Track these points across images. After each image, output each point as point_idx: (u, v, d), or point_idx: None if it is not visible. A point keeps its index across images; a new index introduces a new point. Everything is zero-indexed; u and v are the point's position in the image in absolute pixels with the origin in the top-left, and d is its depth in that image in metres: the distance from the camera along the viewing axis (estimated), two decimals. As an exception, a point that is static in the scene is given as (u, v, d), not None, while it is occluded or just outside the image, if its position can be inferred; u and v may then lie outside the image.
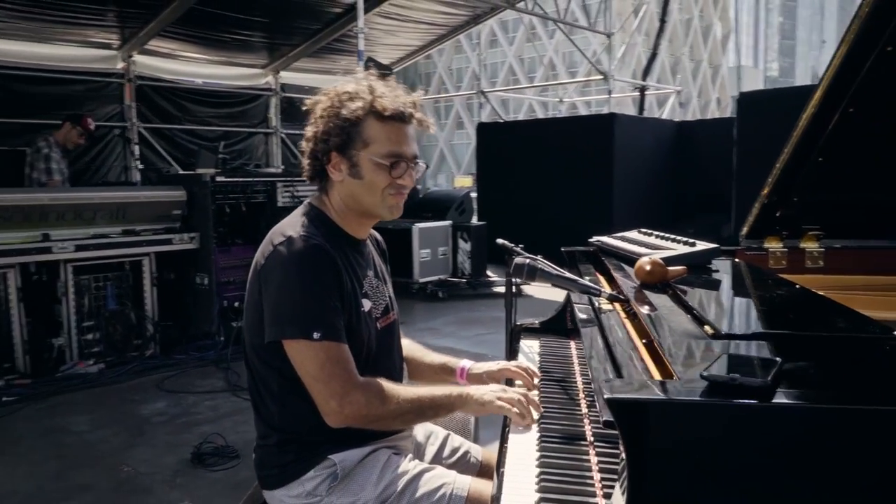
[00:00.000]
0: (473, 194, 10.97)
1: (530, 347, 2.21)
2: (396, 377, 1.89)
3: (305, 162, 1.77)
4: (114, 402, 4.50)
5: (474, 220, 9.38)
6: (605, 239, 2.35)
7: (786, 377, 0.90)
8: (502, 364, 1.93)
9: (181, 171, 7.72)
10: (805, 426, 0.84)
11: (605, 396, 0.85)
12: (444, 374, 1.99)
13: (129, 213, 5.32)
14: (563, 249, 2.51)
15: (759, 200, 2.16)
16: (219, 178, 5.60)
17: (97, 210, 5.15)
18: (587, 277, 2.05)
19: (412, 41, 10.97)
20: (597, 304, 1.69)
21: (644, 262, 1.67)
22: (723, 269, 1.95)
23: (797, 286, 1.59)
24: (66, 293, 5.02)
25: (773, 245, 2.27)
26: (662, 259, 1.73)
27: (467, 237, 8.20)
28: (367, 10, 8.98)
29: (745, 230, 2.29)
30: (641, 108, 11.22)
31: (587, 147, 9.34)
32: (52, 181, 5.76)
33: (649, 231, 2.29)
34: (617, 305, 1.67)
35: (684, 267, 1.71)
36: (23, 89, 8.00)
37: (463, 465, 1.93)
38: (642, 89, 10.91)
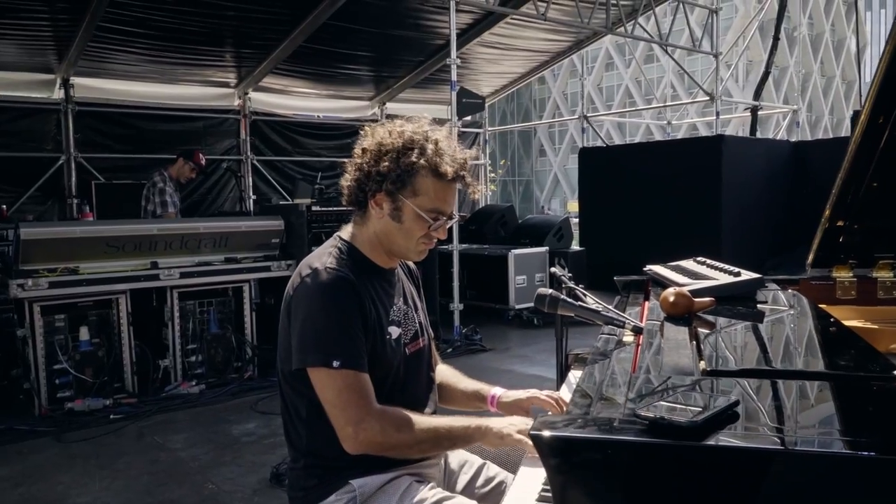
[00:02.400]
0: (575, 220, 10.84)
1: (576, 377, 2.15)
2: (424, 401, 1.90)
3: (347, 187, 1.82)
4: (210, 421, 4.73)
5: (575, 246, 9.25)
6: (656, 268, 2.26)
7: (753, 417, 0.83)
8: (531, 392, 1.93)
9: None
10: (729, 469, 0.78)
11: (531, 432, 0.83)
12: (477, 401, 2.01)
13: (231, 242, 5.62)
14: (616, 279, 2.44)
15: (820, 225, 2.01)
16: (314, 208, 5.83)
17: (201, 239, 5.47)
18: (631, 309, 1.98)
19: (514, 69, 11.03)
20: (620, 335, 1.62)
21: (668, 294, 1.60)
22: (770, 302, 1.82)
23: (831, 319, 1.46)
24: (171, 317, 5.34)
25: (842, 275, 2.10)
26: (692, 290, 1.64)
27: (565, 263, 8.05)
28: (468, 41, 9.16)
29: (810, 258, 2.14)
30: (753, 129, 10.70)
31: (693, 170, 9.00)
32: (168, 214, 6.18)
33: (703, 260, 2.18)
34: (641, 337, 1.60)
35: (711, 299, 1.61)
36: (149, 126, 8.69)
37: (496, 495, 1.90)
38: (754, 109, 10.42)
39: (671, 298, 1.58)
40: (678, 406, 0.83)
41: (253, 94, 9.60)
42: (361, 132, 1.86)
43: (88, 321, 5.09)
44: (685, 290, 1.63)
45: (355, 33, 8.50)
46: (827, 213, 1.91)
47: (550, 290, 1.78)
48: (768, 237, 9.36)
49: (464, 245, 8.38)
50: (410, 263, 2.05)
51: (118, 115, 8.50)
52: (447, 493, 1.74)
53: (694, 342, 1.32)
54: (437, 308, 7.06)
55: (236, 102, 9.56)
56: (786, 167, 9.61)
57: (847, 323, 1.57)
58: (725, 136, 9.34)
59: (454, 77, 6.71)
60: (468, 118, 11.19)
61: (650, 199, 9.29)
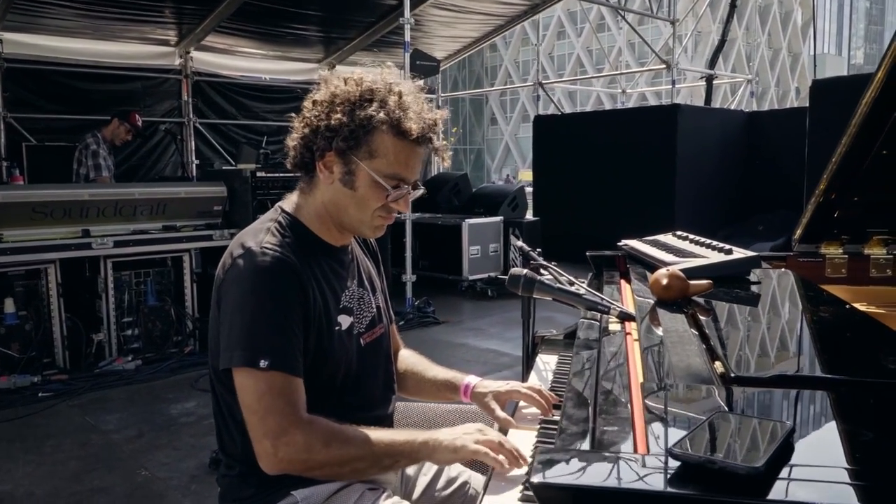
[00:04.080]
0: (529, 189, 10.68)
1: (546, 364, 1.96)
2: (383, 400, 1.68)
3: (293, 147, 1.55)
4: (146, 400, 4.45)
5: (529, 216, 9.10)
6: (634, 243, 2.07)
7: (807, 452, 0.64)
8: (512, 385, 1.66)
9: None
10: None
11: (533, 481, 0.62)
12: (448, 391, 1.76)
13: (170, 209, 5.28)
14: (588, 254, 2.25)
15: (813, 199, 1.85)
16: (259, 174, 5.51)
17: (137, 205, 5.12)
18: (608, 288, 1.79)
19: (469, 33, 10.74)
20: (604, 322, 1.43)
21: (661, 275, 1.41)
22: (764, 282, 1.65)
23: (847, 306, 1.29)
24: (105, 289, 5.00)
25: (832, 251, 1.95)
26: (685, 270, 1.46)
27: (519, 233, 7.92)
28: (421, 2, 8.83)
29: (797, 233, 1.98)
30: (708, 99, 10.66)
31: (649, 140, 8.91)
32: (101, 178, 5.78)
33: (685, 234, 2.00)
34: (629, 325, 1.41)
35: (709, 281, 1.43)
36: (84, 85, 8.18)
37: (459, 497, 1.70)
38: (709, 78, 10.36)
39: (664, 281, 1.39)
40: (723, 440, 0.63)
41: (195, 54, 9.10)
42: (314, 86, 1.59)
43: (14, 292, 4.72)
44: (677, 269, 1.45)
45: (303, -11, 8.11)
46: (822, 185, 1.74)
47: (525, 270, 1.58)
48: (721, 207, 9.39)
49: (416, 214, 8.15)
50: (368, 236, 1.80)
51: (51, 72, 7.95)
52: (405, 503, 1.53)
53: (697, 335, 1.14)
54: (389, 279, 6.84)
55: (177, 62, 9.06)
56: (740, 137, 9.60)
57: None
58: (681, 105, 9.27)
59: (407, 38, 6.42)
60: (422, 82, 10.86)
61: (605, 168, 9.20)
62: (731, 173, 9.47)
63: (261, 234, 1.48)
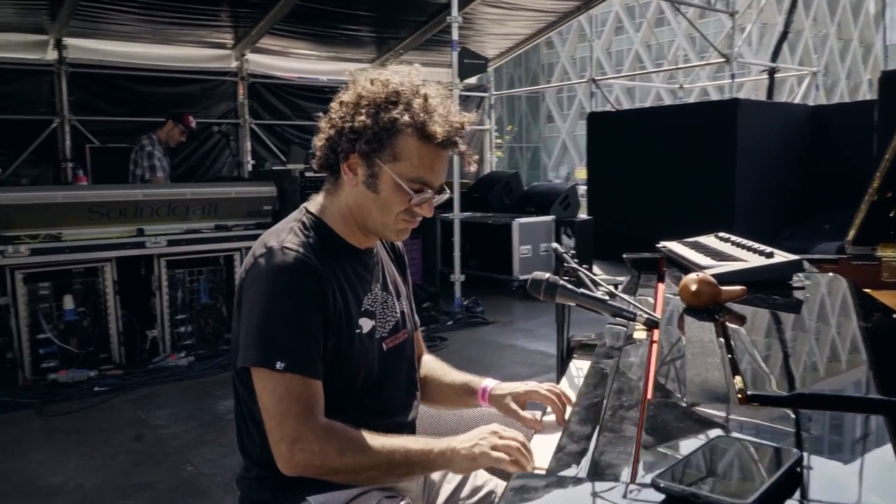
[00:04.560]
0: (583, 187, 10.53)
1: (580, 370, 1.89)
2: (404, 406, 1.65)
3: (319, 147, 1.53)
4: (196, 396, 4.53)
5: (582, 215, 8.96)
6: (672, 245, 1.99)
7: (820, 485, 0.58)
8: (531, 385, 1.61)
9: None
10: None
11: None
12: (466, 395, 1.73)
13: (221, 209, 5.37)
14: (626, 256, 2.17)
15: (867, 197, 1.74)
16: (308, 174, 5.56)
17: (189, 205, 5.23)
18: (643, 291, 1.72)
19: (521, 30, 10.62)
20: (629, 329, 1.37)
21: (690, 281, 1.34)
22: (809, 288, 1.56)
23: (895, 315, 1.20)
24: (159, 287, 5.12)
25: (888, 254, 1.83)
26: (718, 275, 1.38)
27: (571, 233, 7.81)
28: (471, 0, 8.78)
29: (850, 234, 1.87)
30: (770, 93, 10.30)
31: (707, 136, 8.65)
32: (156, 178, 5.93)
33: (727, 236, 1.91)
34: (656, 333, 1.34)
35: (742, 287, 1.35)
36: (144, 89, 8.40)
37: (484, 507, 1.66)
38: (772, 72, 10.02)
39: (693, 287, 1.32)
40: (716, 469, 0.58)
41: (251, 56, 9.27)
42: (344, 85, 1.57)
43: (73, 289, 4.88)
44: (709, 275, 1.37)
45: (355, -9, 8.16)
46: (876, 183, 1.63)
47: (547, 275, 1.52)
48: (783, 206, 9.05)
49: (467, 213, 8.11)
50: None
51: (112, 76, 8.20)
52: (422, 510, 1.50)
53: (724, 346, 1.07)
54: (438, 279, 6.83)
55: (233, 64, 9.24)
56: (804, 132, 9.24)
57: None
58: (741, 99, 8.96)
59: (455, 36, 6.38)
60: (472, 80, 10.83)
61: (661, 166, 8.96)
62: (794, 170, 9.11)
63: (283, 234, 1.48)
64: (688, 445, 0.67)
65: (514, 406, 1.59)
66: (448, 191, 1.56)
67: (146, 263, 5.14)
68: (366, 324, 1.54)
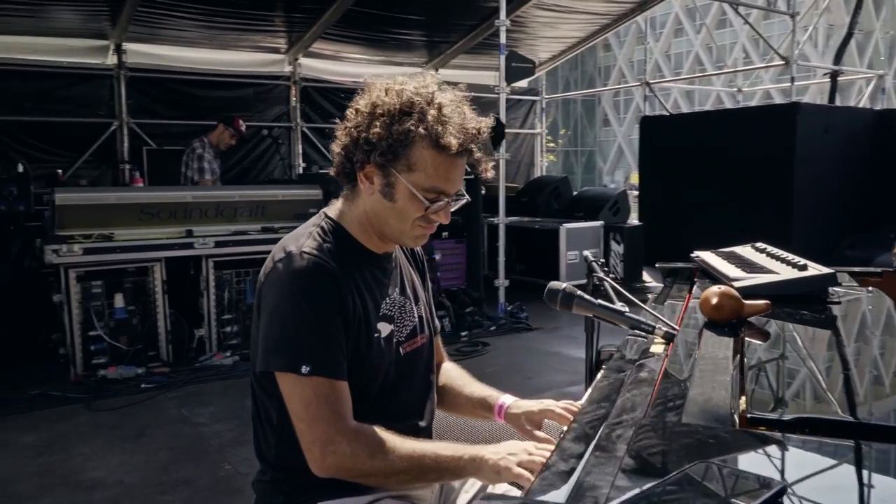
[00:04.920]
0: (635, 192, 10.35)
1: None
2: (420, 411, 1.63)
3: (336, 154, 1.54)
4: (239, 395, 4.59)
5: (634, 221, 8.80)
6: (705, 255, 1.92)
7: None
8: (546, 404, 1.60)
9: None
10: None
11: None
12: (483, 409, 1.71)
13: (268, 211, 5.45)
14: (658, 266, 2.11)
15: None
16: (353, 177, 5.59)
17: (237, 207, 5.32)
18: (672, 302, 1.66)
19: (573, 33, 10.51)
20: (647, 342, 1.32)
21: (711, 294, 1.28)
22: (847, 304, 1.47)
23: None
24: (207, 287, 5.22)
25: (936, 268, 1.73)
26: (744, 288, 1.32)
27: (620, 239, 7.68)
28: (523, 3, 8.72)
29: None
30: (832, 96, 9.94)
31: (764, 140, 8.37)
32: (204, 180, 6.05)
33: (763, 246, 1.84)
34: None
35: (766, 302, 1.28)
36: (200, 92, 8.60)
37: (503, 519, 1.63)
38: (834, 75, 9.68)
39: (714, 300, 1.26)
40: (683, 498, 0.54)
41: (303, 60, 9.40)
42: (360, 90, 1.57)
43: (124, 288, 5.01)
44: (738, 287, 1.31)
45: (407, -5, 8.20)
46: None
47: (564, 285, 1.48)
48: (845, 214, 8.70)
49: (514, 218, 8.07)
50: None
51: (169, 80, 8.42)
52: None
53: (737, 364, 1.01)
54: (482, 283, 6.79)
55: (287, 68, 9.39)
56: (868, 138, 8.87)
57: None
58: (801, 103, 8.67)
59: (503, 40, 6.35)
60: (523, 84, 10.77)
61: (716, 171, 8.72)
62: (857, 176, 8.75)
63: (301, 239, 1.49)
64: (665, 471, 0.63)
65: (528, 427, 1.56)
66: (466, 196, 1.55)
67: (194, 264, 5.25)
68: (384, 328, 1.54)
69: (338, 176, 1.57)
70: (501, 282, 6.64)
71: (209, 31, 8.29)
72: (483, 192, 8.40)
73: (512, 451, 1.36)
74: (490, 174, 1.55)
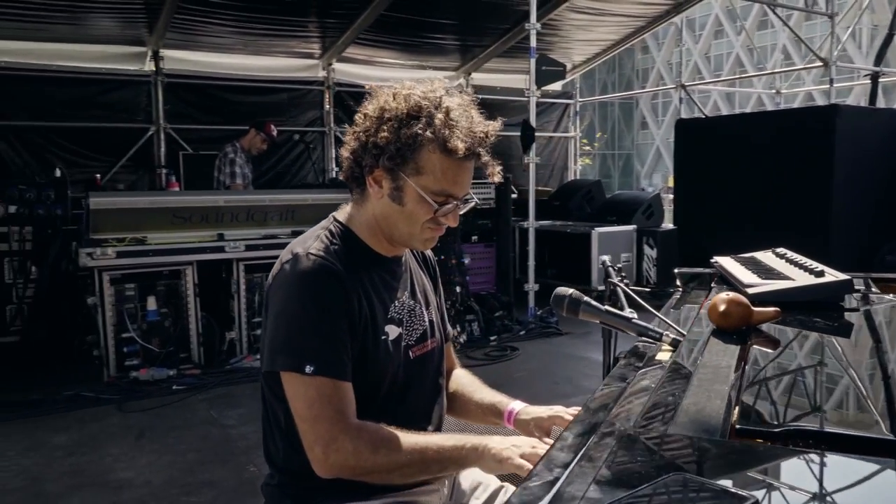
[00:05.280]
0: (670, 196, 10.21)
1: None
2: (428, 414, 1.63)
3: (346, 159, 1.55)
4: (267, 398, 4.63)
5: (668, 225, 8.67)
6: (723, 260, 1.88)
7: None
8: (556, 410, 1.59)
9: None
10: None
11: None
12: (492, 415, 1.70)
13: (298, 215, 5.50)
14: (676, 271, 2.07)
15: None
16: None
17: (267, 211, 5.39)
18: (688, 307, 1.63)
19: (608, 35, 10.41)
20: (653, 350, 1.29)
21: (719, 301, 1.25)
22: (868, 311, 1.42)
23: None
24: (237, 290, 5.28)
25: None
26: (756, 294, 1.29)
27: (654, 243, 7.57)
28: (556, 6, 8.68)
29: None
30: (873, 98, 9.68)
31: (802, 143, 8.17)
32: (235, 185, 6.12)
33: (784, 252, 1.79)
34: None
35: (776, 309, 1.24)
36: (235, 98, 8.73)
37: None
38: (874, 76, 9.41)
39: (721, 307, 1.23)
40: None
41: (337, 65, 9.48)
42: (368, 95, 1.58)
43: (156, 291, 5.10)
44: (752, 293, 1.28)
45: (439, 0, 8.20)
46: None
47: (571, 290, 1.46)
48: (885, 220, 8.45)
49: (546, 221, 8.02)
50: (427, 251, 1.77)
51: (205, 86, 8.56)
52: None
53: (739, 373, 0.98)
54: (512, 288, 6.75)
55: (320, 73, 9.48)
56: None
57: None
58: (840, 105, 8.46)
59: (533, 43, 6.33)
60: (556, 87, 10.72)
61: (752, 175, 8.52)
62: (898, 181, 8.50)
63: (309, 241, 1.50)
64: (638, 483, 0.61)
65: (537, 433, 1.56)
66: (475, 199, 1.54)
67: (226, 267, 5.32)
68: (392, 331, 1.54)
69: (347, 180, 1.58)
70: (531, 286, 6.60)
71: (244, 37, 8.41)
72: (514, 195, 8.39)
73: (516, 444, 1.38)
74: (497, 178, 1.54)
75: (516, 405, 1.66)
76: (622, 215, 7.94)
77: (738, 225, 8.41)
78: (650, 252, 7.58)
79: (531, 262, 6.62)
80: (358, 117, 1.53)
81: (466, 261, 6.25)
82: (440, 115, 1.43)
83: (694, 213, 9.24)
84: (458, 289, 5.93)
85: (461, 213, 1.53)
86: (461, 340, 5.83)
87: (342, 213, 1.60)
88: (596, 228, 7.35)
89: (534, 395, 1.71)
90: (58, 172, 5.90)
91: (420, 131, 1.41)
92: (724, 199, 8.88)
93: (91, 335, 5.21)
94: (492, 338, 5.97)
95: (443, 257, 5.97)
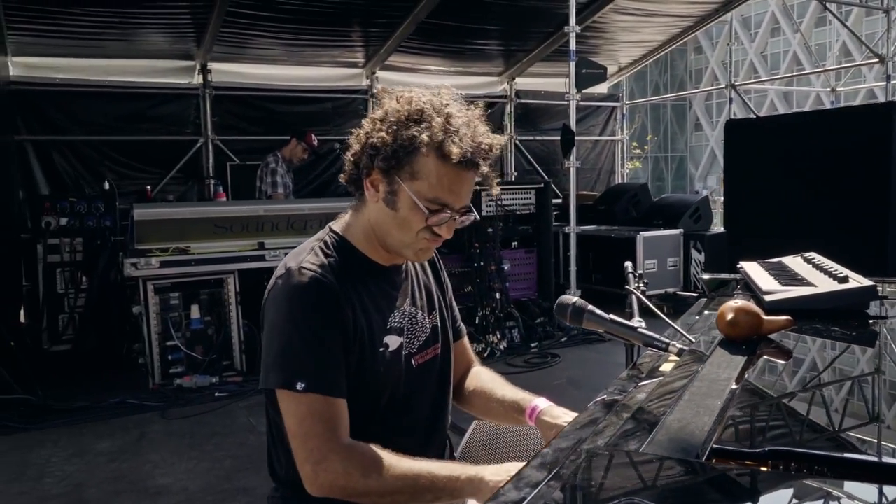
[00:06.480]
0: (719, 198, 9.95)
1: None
2: (433, 424, 1.59)
3: (347, 162, 1.54)
4: (306, 405, 4.66)
5: (717, 228, 8.45)
6: (749, 265, 1.80)
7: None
8: None
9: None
10: None
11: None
12: (515, 412, 1.63)
13: (337, 223, 5.52)
14: (704, 277, 1.99)
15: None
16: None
17: (307, 220, 5.43)
18: (707, 314, 1.56)
19: (655, 36, 10.23)
20: (659, 360, 1.23)
21: (727, 309, 1.19)
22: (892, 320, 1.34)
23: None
24: (278, 298, 5.32)
25: None
26: (773, 302, 1.22)
27: (701, 247, 7.38)
28: (600, 7, 8.56)
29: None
30: (935, 94, 9.28)
31: (857, 143, 7.85)
32: (276, 194, 6.20)
33: (812, 257, 1.70)
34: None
35: (788, 318, 1.17)
36: (280, 108, 8.87)
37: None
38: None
39: (729, 315, 1.16)
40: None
41: (380, 73, 9.53)
42: (377, 100, 1.57)
43: (199, 300, 5.19)
44: (770, 300, 1.21)
45: (481, 5, 8.17)
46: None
47: (575, 298, 1.41)
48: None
49: (591, 226, 7.91)
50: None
51: (252, 97, 8.72)
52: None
53: (736, 387, 0.92)
54: (553, 293, 6.66)
55: (364, 82, 9.55)
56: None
57: None
58: (898, 102, 8.12)
59: (573, 46, 6.24)
60: (602, 90, 10.59)
61: (805, 176, 8.22)
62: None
63: (303, 255, 1.48)
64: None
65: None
66: (475, 213, 1.49)
67: (267, 275, 5.36)
68: (392, 341, 1.52)
69: (347, 184, 1.57)
70: (573, 292, 6.49)
71: (289, 49, 8.53)
72: (559, 200, 8.30)
73: (512, 471, 1.30)
74: (496, 191, 1.50)
75: (540, 402, 1.60)
76: (669, 219, 7.76)
77: (789, 228, 8.14)
78: (698, 256, 7.39)
79: (573, 268, 6.52)
80: (365, 122, 1.52)
81: (506, 267, 6.20)
82: (440, 120, 1.40)
83: (744, 216, 8.98)
84: (497, 295, 5.88)
85: (459, 226, 1.49)
86: (501, 347, 5.77)
87: (339, 224, 1.59)
88: (641, 232, 7.21)
89: (572, 402, 1.64)
90: (107, 185, 6.06)
91: (417, 133, 1.39)
92: (775, 202, 8.60)
93: (137, 343, 5.33)
94: (532, 345, 5.90)
95: (482, 264, 5.93)
